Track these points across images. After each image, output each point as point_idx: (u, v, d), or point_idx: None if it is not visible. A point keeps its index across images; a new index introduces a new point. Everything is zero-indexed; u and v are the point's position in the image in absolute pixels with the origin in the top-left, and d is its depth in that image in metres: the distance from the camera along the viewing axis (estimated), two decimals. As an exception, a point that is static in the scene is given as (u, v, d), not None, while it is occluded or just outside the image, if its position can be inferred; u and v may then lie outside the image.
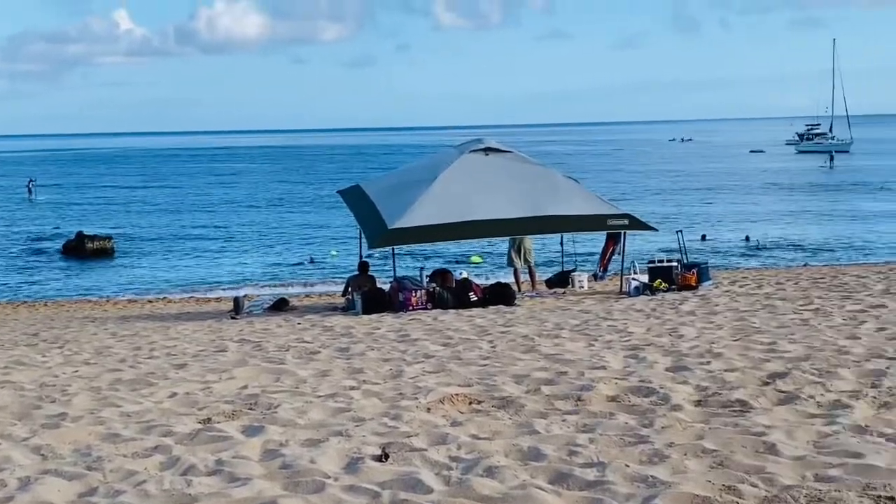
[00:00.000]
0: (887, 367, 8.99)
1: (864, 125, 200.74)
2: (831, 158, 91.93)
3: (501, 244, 26.99)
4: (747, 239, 37.15)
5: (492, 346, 11.95)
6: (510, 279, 21.25)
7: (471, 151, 20.06)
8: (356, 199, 20.73)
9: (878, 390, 8.11)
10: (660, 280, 18.88)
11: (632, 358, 10.34)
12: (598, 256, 22.62)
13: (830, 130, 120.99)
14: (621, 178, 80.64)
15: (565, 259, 22.97)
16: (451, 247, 27.09)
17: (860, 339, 11.00)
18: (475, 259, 31.49)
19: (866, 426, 6.98)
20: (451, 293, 17.92)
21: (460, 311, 16.85)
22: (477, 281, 19.55)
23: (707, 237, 38.08)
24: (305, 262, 35.47)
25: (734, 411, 7.67)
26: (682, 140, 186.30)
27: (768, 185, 69.70)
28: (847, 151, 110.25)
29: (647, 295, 18.16)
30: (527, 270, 21.52)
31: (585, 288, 20.30)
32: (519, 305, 17.47)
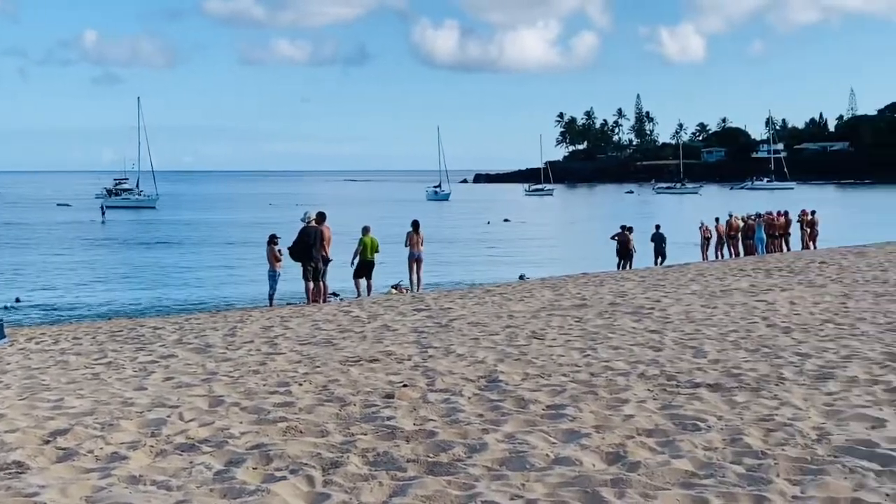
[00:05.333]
0: (168, 416, 9.35)
1: (171, 181, 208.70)
2: (103, 213, 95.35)
3: None
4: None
5: None
6: None
7: None
8: None
9: (157, 439, 8.40)
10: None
11: None
12: None
13: (138, 186, 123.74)
14: None
15: None
16: None
17: (147, 389, 11.30)
18: None
19: (140, 475, 7.18)
20: None
21: None
22: None
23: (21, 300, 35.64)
24: None
25: (10, 473, 7.42)
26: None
27: (73, 239, 69.03)
28: (154, 207, 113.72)
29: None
30: None
31: None
32: None
